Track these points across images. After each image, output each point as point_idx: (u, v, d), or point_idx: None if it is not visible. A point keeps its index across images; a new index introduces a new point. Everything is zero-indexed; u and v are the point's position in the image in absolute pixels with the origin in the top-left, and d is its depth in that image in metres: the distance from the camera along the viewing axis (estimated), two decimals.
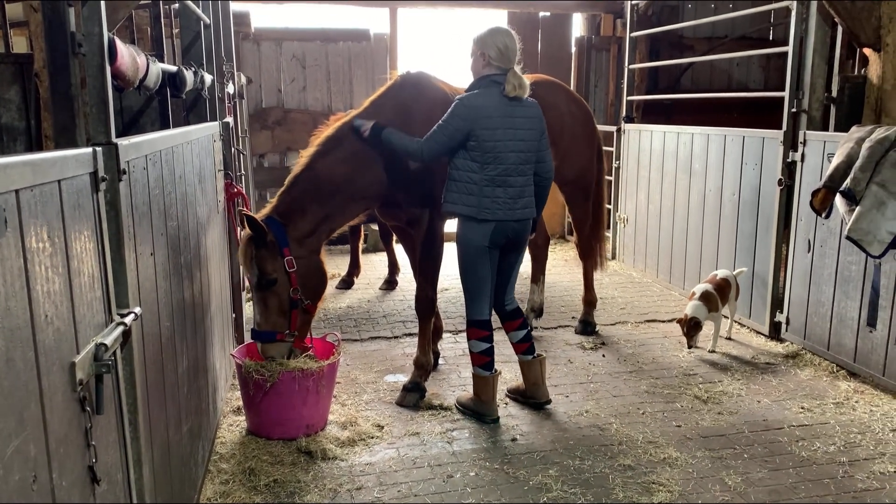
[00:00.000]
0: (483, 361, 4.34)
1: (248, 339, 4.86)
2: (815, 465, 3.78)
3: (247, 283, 5.91)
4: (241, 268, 4.34)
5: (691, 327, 5.34)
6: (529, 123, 4.16)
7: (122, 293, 2.14)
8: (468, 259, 4.23)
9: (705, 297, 5.42)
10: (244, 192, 5.25)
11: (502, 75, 4.11)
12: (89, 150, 1.93)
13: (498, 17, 9.80)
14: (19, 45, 5.83)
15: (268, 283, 4.13)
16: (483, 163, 4.06)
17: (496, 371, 4.40)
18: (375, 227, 8.40)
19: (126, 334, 2.09)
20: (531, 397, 4.54)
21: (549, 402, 4.54)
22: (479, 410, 4.37)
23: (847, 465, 3.77)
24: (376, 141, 4.23)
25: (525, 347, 4.52)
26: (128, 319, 2.04)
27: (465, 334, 5.80)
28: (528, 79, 5.48)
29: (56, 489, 1.57)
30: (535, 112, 4.21)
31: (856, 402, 4.55)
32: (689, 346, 5.41)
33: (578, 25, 10.21)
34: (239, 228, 5.13)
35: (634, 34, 8.21)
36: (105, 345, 1.83)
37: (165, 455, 2.69)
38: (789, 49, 5.46)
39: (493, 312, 4.44)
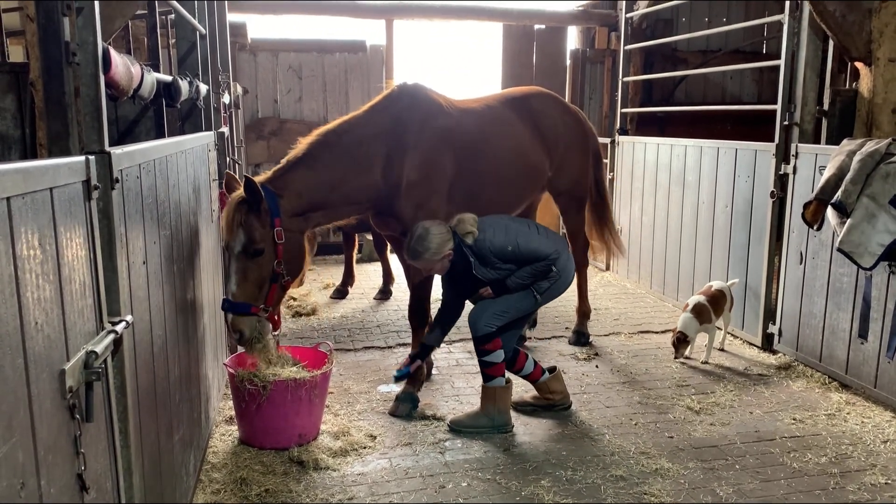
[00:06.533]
0: (504, 370, 4.37)
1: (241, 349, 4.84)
2: (807, 477, 3.79)
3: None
4: (222, 231, 4.02)
5: (676, 341, 5.39)
6: None
7: (113, 301, 2.14)
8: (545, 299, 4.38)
9: (697, 310, 5.44)
10: None
11: (463, 235, 4.19)
12: (82, 158, 1.94)
13: (494, 30, 9.87)
14: (16, 54, 5.85)
15: (254, 253, 3.90)
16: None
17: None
18: (370, 236, 8.41)
19: (117, 342, 2.09)
20: (560, 403, 4.60)
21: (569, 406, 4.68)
22: (501, 423, 4.32)
23: (838, 477, 3.78)
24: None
25: (542, 368, 4.58)
26: (119, 327, 2.05)
27: (458, 345, 5.83)
28: (522, 91, 5.54)
29: (44, 496, 1.57)
30: None
31: (847, 413, 4.56)
32: (676, 357, 5.49)
33: (573, 38, 10.28)
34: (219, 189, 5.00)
35: (629, 47, 8.26)
36: (95, 352, 1.83)
37: (156, 464, 2.69)
38: (781, 63, 5.51)
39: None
